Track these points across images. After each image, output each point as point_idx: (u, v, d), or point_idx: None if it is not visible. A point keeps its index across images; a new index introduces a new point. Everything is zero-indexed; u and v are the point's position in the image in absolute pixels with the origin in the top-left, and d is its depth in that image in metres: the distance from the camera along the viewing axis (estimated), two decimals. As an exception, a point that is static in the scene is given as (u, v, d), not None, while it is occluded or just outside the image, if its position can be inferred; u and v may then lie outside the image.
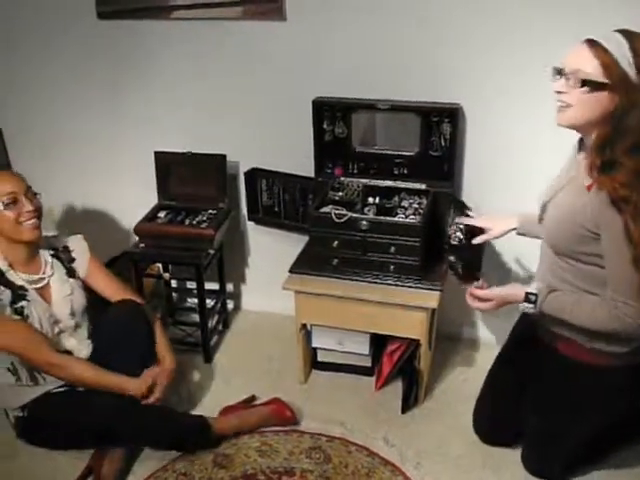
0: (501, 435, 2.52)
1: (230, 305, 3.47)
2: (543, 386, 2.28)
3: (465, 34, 2.59)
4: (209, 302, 3.14)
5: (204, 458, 2.51)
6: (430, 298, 2.53)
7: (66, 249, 2.66)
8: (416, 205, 2.69)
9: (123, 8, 2.94)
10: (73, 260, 2.65)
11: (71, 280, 2.61)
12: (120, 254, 3.15)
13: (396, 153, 2.79)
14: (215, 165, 3.01)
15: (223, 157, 2.99)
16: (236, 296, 3.49)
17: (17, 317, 2.40)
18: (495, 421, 2.52)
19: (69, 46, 3.10)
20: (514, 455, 2.45)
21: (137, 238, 2.97)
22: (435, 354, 2.98)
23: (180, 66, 3.01)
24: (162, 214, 3.06)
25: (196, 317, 3.09)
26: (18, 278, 2.45)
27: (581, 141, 2.01)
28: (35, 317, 2.44)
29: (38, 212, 2.48)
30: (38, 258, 2.55)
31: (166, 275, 3.01)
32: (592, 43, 1.77)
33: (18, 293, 2.43)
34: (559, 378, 2.20)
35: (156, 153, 3.06)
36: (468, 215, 2.51)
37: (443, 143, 2.68)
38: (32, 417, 2.51)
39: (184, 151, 3.04)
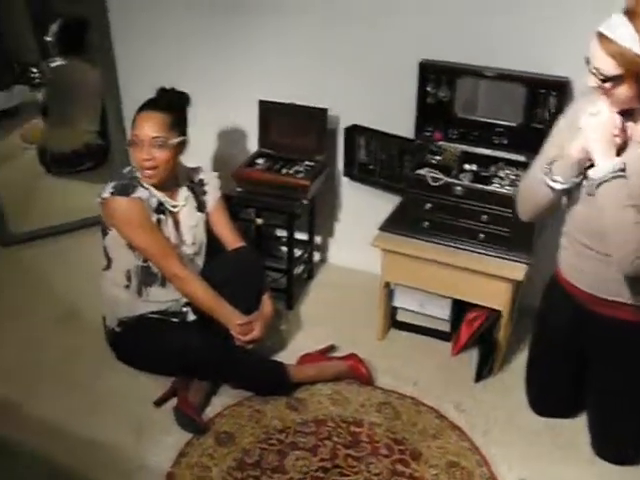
0: (556, 408, 2.55)
1: (317, 257, 3.52)
2: (597, 359, 2.30)
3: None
4: (297, 251, 3.21)
5: (278, 399, 2.59)
6: (516, 270, 2.52)
7: (201, 182, 2.75)
8: (513, 176, 2.66)
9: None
10: (205, 194, 2.75)
11: (198, 214, 2.71)
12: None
13: (497, 122, 2.73)
14: (316, 118, 3.04)
15: (324, 111, 3.02)
16: (323, 249, 3.54)
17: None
18: (547, 396, 2.55)
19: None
20: (584, 436, 2.44)
21: (235, 182, 3.05)
22: (516, 328, 2.97)
23: (293, 17, 3.03)
24: (261, 161, 3.13)
25: (282, 265, 3.16)
26: (161, 196, 2.58)
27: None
28: (166, 234, 2.58)
29: (153, 163, 2.50)
30: (176, 189, 2.66)
31: (258, 220, 3.08)
32: (600, 36, 1.82)
33: (160, 207, 2.58)
34: (612, 344, 2.20)
35: (260, 102, 3.11)
36: None
37: (547, 116, 2.62)
38: (124, 335, 2.64)
39: (287, 101, 3.08)
